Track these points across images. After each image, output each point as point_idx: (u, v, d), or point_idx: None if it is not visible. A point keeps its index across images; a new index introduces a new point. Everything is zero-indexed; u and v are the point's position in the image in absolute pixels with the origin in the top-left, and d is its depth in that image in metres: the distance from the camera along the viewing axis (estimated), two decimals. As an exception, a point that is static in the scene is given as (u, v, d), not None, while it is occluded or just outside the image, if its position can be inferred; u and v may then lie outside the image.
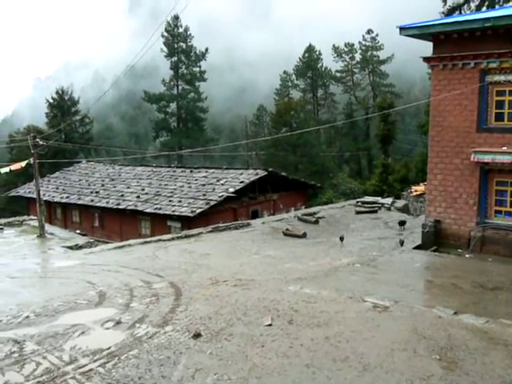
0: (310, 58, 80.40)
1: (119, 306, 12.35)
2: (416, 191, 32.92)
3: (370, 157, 71.38)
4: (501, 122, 18.78)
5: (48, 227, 29.83)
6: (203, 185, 35.82)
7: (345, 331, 10.13)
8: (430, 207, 20.76)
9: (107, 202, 36.90)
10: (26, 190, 44.94)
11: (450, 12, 46.03)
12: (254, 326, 10.50)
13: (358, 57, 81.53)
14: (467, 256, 19.06)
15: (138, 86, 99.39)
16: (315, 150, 63.36)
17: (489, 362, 8.74)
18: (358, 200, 33.59)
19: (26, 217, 35.15)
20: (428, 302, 13.18)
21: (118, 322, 10.99)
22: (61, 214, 42.04)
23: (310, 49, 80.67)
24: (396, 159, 59.23)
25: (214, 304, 12.09)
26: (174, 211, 32.18)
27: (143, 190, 37.30)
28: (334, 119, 76.50)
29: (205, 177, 37.71)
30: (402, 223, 24.88)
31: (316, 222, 27.18)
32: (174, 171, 41.17)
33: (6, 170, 29.81)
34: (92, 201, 38.27)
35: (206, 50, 74.94)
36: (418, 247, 20.36)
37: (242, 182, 34.96)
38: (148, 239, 24.72)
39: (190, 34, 74.04)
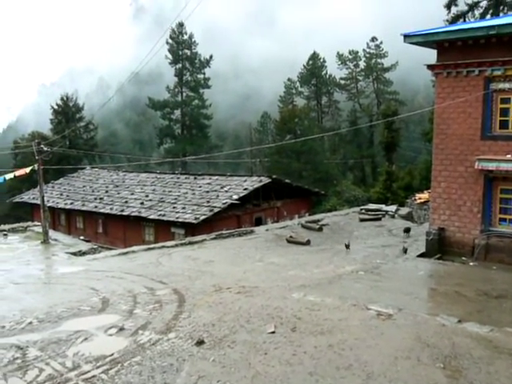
0: (314, 66, 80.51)
1: (122, 312, 12.33)
2: (420, 199, 32.82)
3: (373, 164, 71.33)
4: (505, 129, 18.76)
5: (52, 233, 29.88)
6: (207, 192, 35.85)
7: (348, 339, 10.09)
8: (434, 215, 20.72)
9: (111, 209, 36.95)
10: (30, 196, 45.08)
11: (454, 20, 46.05)
12: (257, 334, 10.46)
13: (362, 64, 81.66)
14: (471, 264, 18.99)
15: (143, 93, 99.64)
16: (319, 157, 63.36)
17: (493, 371, 8.68)
18: (362, 207, 33.55)
19: (30, 223, 35.19)
20: (432, 309, 13.11)
21: (121, 329, 10.97)
22: (65, 220, 42.11)
23: (314, 56, 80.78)
24: (400, 166, 59.13)
25: (217, 311, 12.06)
26: (177, 218, 32.20)
27: (147, 196, 37.35)
28: (338, 126, 76.46)
29: (209, 184, 37.75)
30: (406, 230, 24.85)
31: (320, 230, 27.14)
32: (178, 178, 41.22)
33: (10, 175, 29.92)
34: (96, 207, 38.32)
35: (211, 57, 75.18)
36: (421, 255, 20.31)
37: (245, 189, 34.97)
38: (152, 246, 24.73)
39: (195, 41, 74.29)
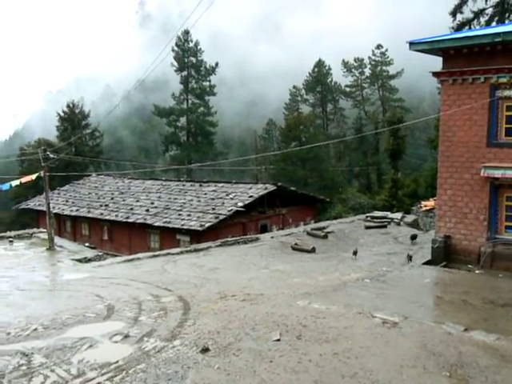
0: (320, 73, 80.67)
1: (127, 319, 12.34)
2: (426, 206, 32.78)
3: (379, 171, 71.23)
4: (511, 137, 18.70)
5: (57, 240, 29.90)
6: (212, 199, 35.87)
7: (354, 347, 10.05)
8: (440, 222, 20.64)
9: (116, 216, 37.00)
10: (35, 203, 45.16)
11: (459, 27, 46.02)
12: (263, 341, 10.44)
13: (367, 72, 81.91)
14: (477, 272, 18.90)
15: (149, 100, 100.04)
16: (324, 164, 63.41)
17: (500, 380, 8.62)
18: (368, 215, 33.49)
19: (35, 229, 35.25)
20: (438, 318, 13.04)
21: (126, 336, 10.97)
22: (70, 226, 42.17)
23: (319, 63, 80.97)
24: (405, 174, 59.09)
25: (222, 318, 12.05)
26: (183, 225, 32.20)
27: (152, 203, 37.39)
28: (344, 134, 76.46)
29: (214, 191, 37.77)
30: (413, 237, 24.82)
31: (325, 237, 27.09)
32: (184, 185, 41.26)
33: (16, 182, 30.03)
34: (101, 214, 38.38)
35: (216, 64, 75.36)
36: (427, 263, 20.22)
37: (251, 197, 34.97)
38: (157, 253, 24.75)
39: (200, 49, 74.49)
